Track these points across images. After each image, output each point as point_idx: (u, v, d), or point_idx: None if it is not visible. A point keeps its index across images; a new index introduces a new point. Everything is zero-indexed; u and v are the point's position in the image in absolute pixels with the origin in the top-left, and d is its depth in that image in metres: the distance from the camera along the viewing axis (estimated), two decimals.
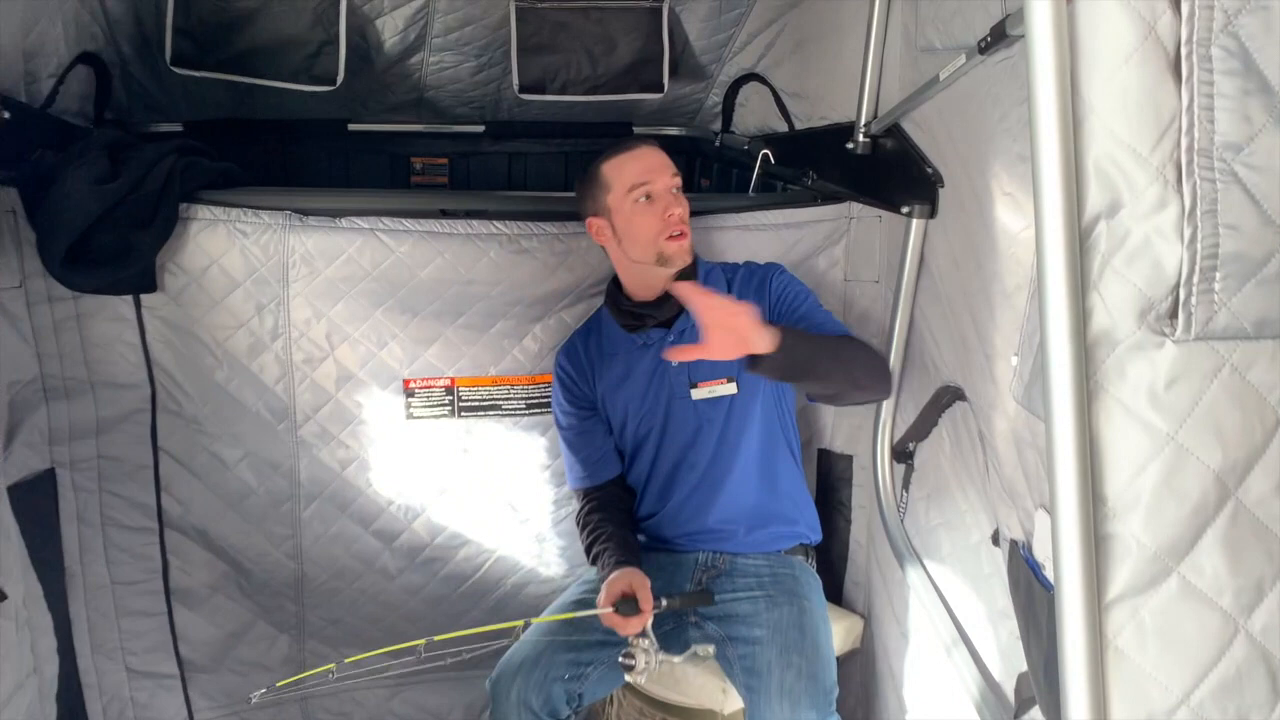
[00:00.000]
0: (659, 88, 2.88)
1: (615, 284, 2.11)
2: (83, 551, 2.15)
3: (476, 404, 2.29)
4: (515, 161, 3.51)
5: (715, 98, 3.23)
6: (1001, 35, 1.69)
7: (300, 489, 2.29)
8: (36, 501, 2.01)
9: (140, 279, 2.00)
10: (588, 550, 2.05)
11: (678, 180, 2.00)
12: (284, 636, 2.40)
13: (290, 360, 2.18)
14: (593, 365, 2.12)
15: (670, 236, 1.95)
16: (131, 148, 2.01)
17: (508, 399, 2.30)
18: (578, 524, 2.13)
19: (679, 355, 1.73)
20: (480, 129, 3.31)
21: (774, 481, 2.09)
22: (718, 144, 3.25)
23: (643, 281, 2.04)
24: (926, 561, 2.14)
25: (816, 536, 2.17)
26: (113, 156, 1.95)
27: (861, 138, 2.26)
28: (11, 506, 1.91)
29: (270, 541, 2.31)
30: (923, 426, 2.14)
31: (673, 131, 3.49)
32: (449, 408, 2.28)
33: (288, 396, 2.20)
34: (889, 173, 2.16)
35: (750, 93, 3.06)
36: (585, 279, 2.26)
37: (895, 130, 2.15)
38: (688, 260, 1.99)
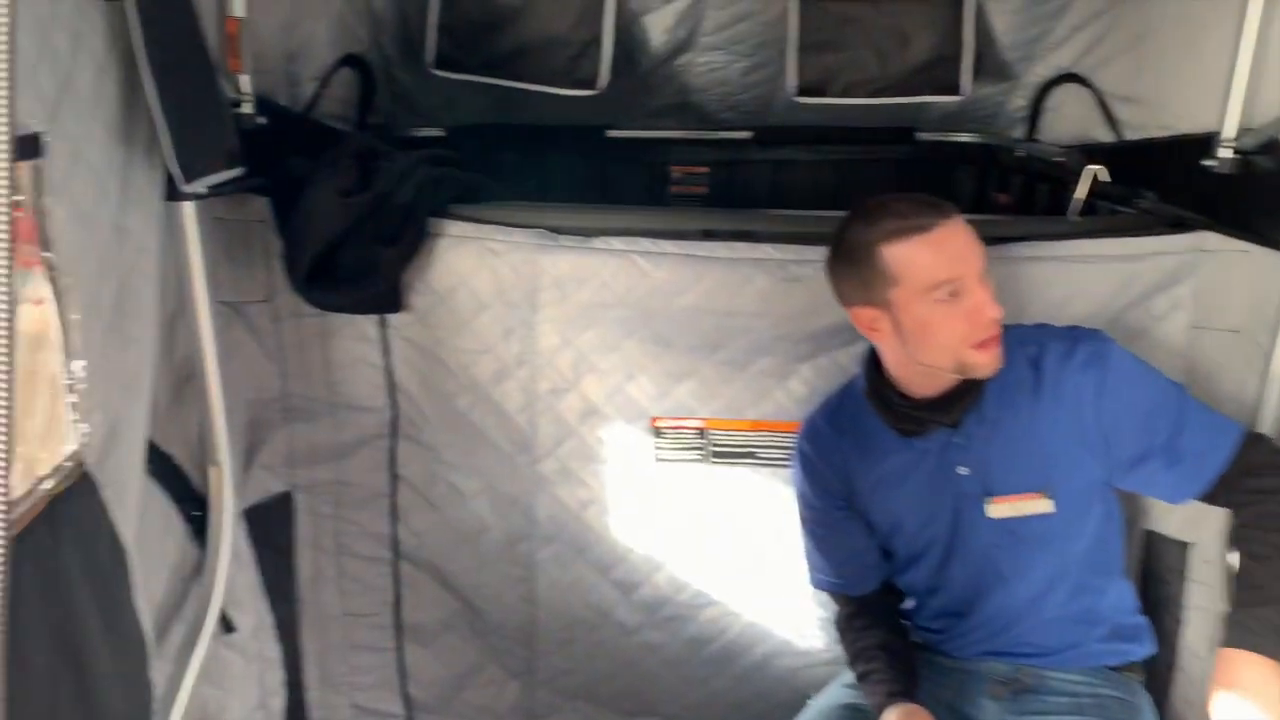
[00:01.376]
0: (956, 89, 2.56)
1: (876, 369, 1.72)
2: (316, 580, 2.11)
3: (731, 450, 2.07)
4: (781, 170, 3.27)
5: (1019, 100, 2.85)
6: None
7: (537, 528, 2.15)
8: (273, 526, 1.99)
9: (386, 298, 1.92)
10: (851, 663, 1.79)
11: (985, 261, 1.57)
12: (514, 682, 2.28)
13: (535, 390, 2.04)
14: (846, 460, 1.78)
15: (979, 344, 1.55)
16: (383, 156, 1.93)
17: (766, 447, 2.06)
18: (837, 626, 1.87)
19: None
20: (747, 135, 3.10)
21: (1098, 598, 1.72)
22: (1020, 154, 2.86)
23: (926, 380, 1.65)
24: None
25: (1150, 648, 1.79)
26: (363, 165, 1.87)
27: (1228, 154, 1.85)
28: (248, 531, 1.88)
29: (504, 582, 2.19)
30: None
31: (964, 138, 3.14)
32: (700, 452, 2.07)
33: (529, 428, 2.07)
34: (1265, 198, 1.75)
35: (1065, 96, 2.67)
36: None
37: (1275, 146, 1.74)
38: (996, 369, 1.59)
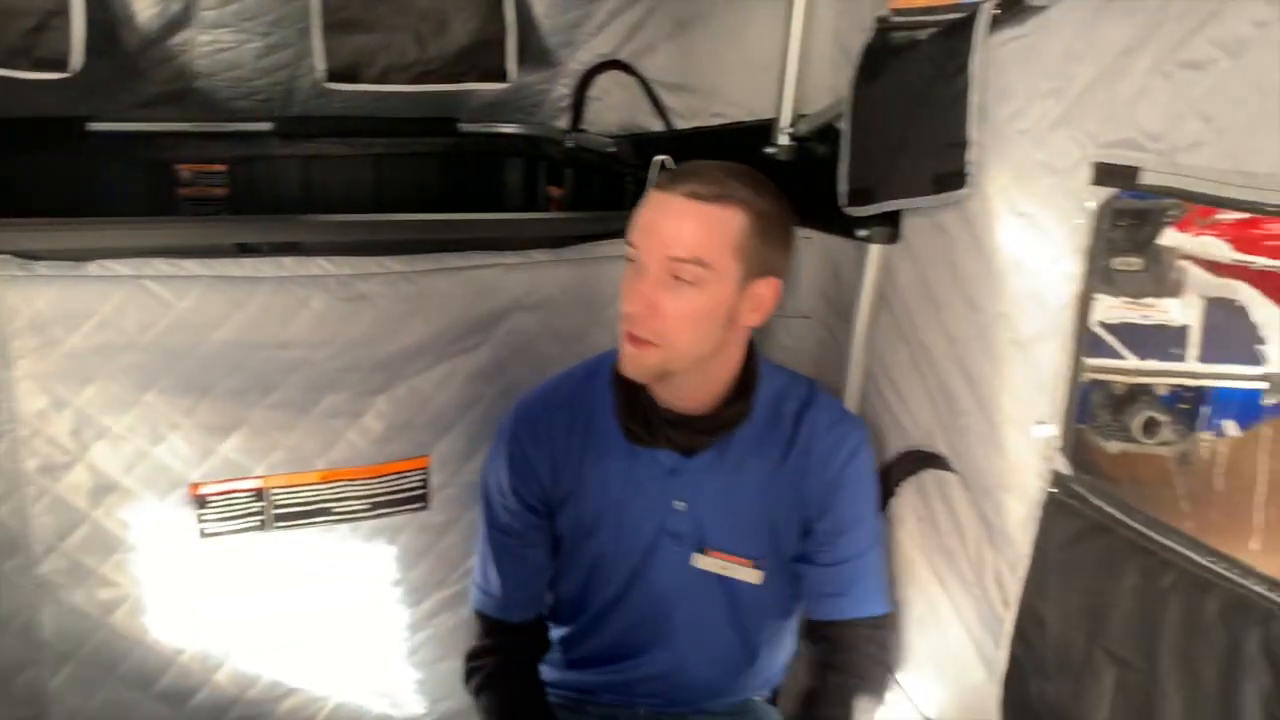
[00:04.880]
0: (502, 75, 2.40)
1: None
2: None
3: (298, 510, 1.76)
4: (312, 166, 2.97)
5: (563, 89, 2.78)
6: (1018, 6, 1.34)
7: (44, 650, 1.69)
8: None
9: None
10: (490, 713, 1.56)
11: (701, 251, 1.34)
12: None
13: (18, 470, 1.58)
14: (562, 450, 1.54)
15: (624, 333, 1.38)
16: None
17: (342, 500, 1.78)
18: (469, 674, 1.60)
19: None
20: (266, 127, 2.76)
21: (772, 646, 1.68)
22: (570, 145, 2.79)
23: (680, 386, 1.45)
24: (899, 671, 1.78)
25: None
26: None
27: (785, 141, 1.88)
28: None
29: None
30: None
31: (508, 129, 3.04)
32: (259, 518, 1.74)
33: (17, 522, 1.61)
34: (822, 185, 1.78)
35: (610, 84, 2.64)
36: (447, 330, 1.76)
37: (830, 132, 1.78)
38: (636, 377, 1.41)
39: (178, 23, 2.22)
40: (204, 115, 2.64)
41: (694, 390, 1.45)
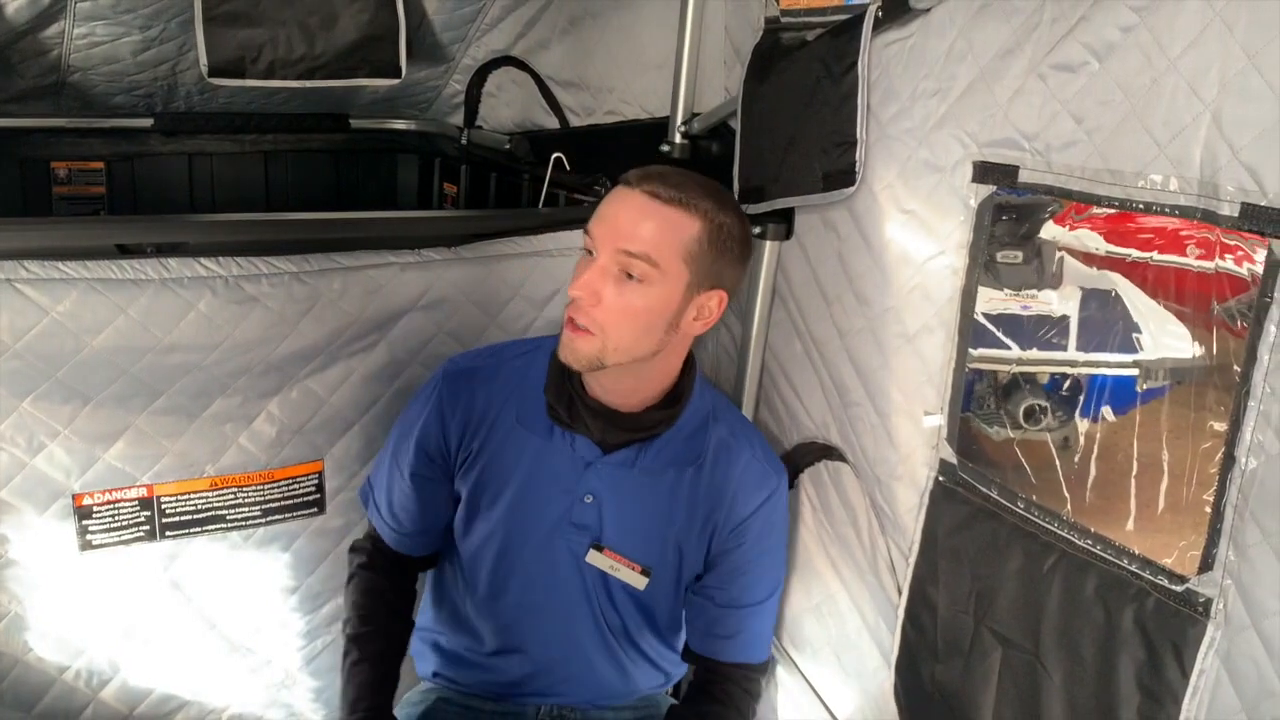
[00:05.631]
0: (395, 71, 2.36)
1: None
2: None
3: (188, 519, 1.69)
4: (197, 164, 2.88)
5: (456, 85, 2.76)
6: (902, 8, 1.37)
7: None
8: None
9: None
10: (347, 635, 1.56)
11: (651, 249, 1.33)
12: None
13: None
14: (483, 414, 1.53)
15: (567, 318, 1.39)
16: None
17: (235, 507, 1.72)
18: (350, 563, 1.63)
19: None
20: (147, 123, 2.66)
21: (662, 650, 1.69)
22: (464, 141, 2.76)
23: (614, 381, 1.45)
24: (796, 656, 1.82)
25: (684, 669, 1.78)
26: None
27: (678, 139, 1.89)
28: None
29: None
30: None
31: (401, 125, 3.00)
32: (146, 528, 1.66)
33: None
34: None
35: (504, 80, 2.63)
36: (340, 332, 1.71)
37: (723, 130, 1.81)
38: (572, 364, 1.40)
39: (50, 15, 2.12)
40: (80, 111, 2.53)
41: (625, 389, 1.45)
